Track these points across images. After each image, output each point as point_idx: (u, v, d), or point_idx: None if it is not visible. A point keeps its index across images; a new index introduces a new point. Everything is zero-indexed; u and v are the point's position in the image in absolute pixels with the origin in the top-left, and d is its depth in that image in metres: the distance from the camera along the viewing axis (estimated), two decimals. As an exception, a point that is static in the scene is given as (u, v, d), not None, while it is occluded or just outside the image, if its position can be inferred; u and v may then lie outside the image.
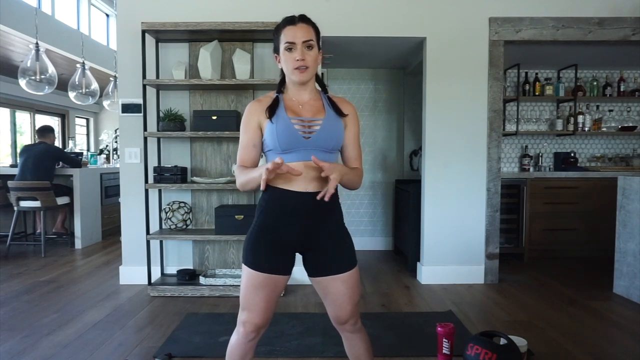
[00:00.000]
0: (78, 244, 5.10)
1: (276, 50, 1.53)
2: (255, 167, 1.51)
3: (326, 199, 1.40)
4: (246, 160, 1.53)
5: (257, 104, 1.53)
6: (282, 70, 1.54)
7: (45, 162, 4.87)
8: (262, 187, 1.37)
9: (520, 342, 2.13)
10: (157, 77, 3.49)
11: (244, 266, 1.50)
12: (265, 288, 1.47)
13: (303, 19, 1.50)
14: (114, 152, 7.30)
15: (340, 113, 1.55)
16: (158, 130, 3.43)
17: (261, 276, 1.46)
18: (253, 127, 1.51)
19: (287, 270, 1.52)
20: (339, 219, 1.58)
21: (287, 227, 1.49)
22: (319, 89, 1.62)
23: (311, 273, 1.56)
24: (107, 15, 9.40)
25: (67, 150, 7.10)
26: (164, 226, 3.57)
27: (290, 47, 1.46)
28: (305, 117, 1.50)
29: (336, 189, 1.48)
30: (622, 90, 4.83)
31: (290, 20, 1.48)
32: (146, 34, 3.34)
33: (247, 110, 1.54)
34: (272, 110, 1.49)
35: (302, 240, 1.50)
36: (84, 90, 5.80)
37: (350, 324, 1.59)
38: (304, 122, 1.49)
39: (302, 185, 1.46)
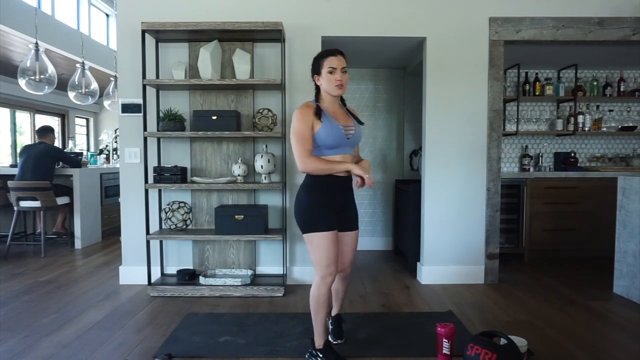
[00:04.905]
0: (78, 244, 5.10)
1: (317, 72, 2.13)
2: (333, 161, 2.10)
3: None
4: (310, 150, 2.08)
5: (309, 109, 2.09)
6: (316, 85, 2.17)
7: (45, 162, 4.87)
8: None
9: (520, 342, 2.12)
10: (157, 77, 3.49)
11: (317, 234, 2.07)
12: (335, 242, 2.11)
13: (341, 52, 2.12)
14: (114, 152, 7.29)
15: (359, 121, 2.24)
16: (158, 130, 3.43)
17: (333, 234, 2.10)
18: (309, 126, 2.07)
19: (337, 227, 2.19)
20: (353, 195, 2.31)
21: (335, 198, 2.16)
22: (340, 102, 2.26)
23: (340, 229, 2.22)
24: (107, 15, 9.40)
25: (67, 150, 7.10)
26: (164, 226, 3.57)
27: (332, 71, 2.08)
28: (342, 124, 2.12)
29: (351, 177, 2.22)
30: (622, 90, 4.83)
31: (332, 52, 2.10)
32: (146, 34, 3.34)
33: (302, 112, 2.07)
34: (320, 114, 2.07)
35: (341, 206, 2.20)
36: (83, 90, 5.81)
37: (349, 270, 2.37)
38: (344, 126, 2.13)
39: (342, 172, 2.15)
